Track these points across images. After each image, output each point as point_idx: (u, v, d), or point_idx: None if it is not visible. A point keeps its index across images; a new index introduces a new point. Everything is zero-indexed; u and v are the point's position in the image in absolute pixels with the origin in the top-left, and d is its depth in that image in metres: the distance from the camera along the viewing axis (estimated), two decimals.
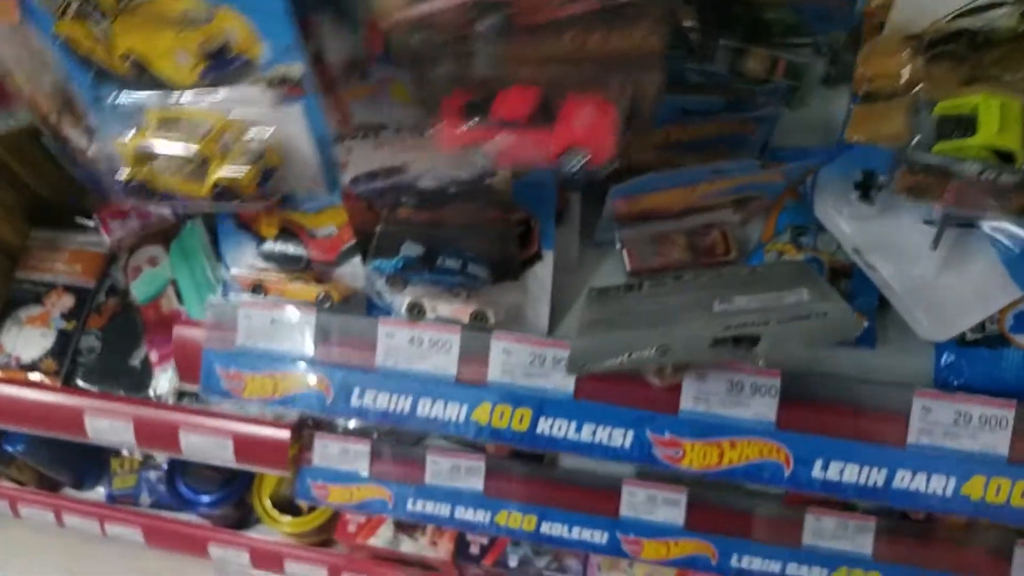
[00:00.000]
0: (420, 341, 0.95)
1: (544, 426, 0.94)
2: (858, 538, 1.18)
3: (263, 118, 0.63)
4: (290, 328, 0.98)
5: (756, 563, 1.21)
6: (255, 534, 1.75)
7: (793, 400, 0.88)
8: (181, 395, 1.40)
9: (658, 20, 0.57)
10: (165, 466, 1.77)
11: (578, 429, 0.93)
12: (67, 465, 1.79)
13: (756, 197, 0.90)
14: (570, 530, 1.27)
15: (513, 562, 1.53)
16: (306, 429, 1.37)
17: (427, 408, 0.96)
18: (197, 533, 1.75)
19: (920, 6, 0.54)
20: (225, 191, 0.64)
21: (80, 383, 1.43)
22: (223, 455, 1.37)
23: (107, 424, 1.40)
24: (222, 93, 0.62)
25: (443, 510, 1.31)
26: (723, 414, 0.89)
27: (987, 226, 0.89)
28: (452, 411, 0.96)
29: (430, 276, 0.93)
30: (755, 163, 0.82)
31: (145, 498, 1.79)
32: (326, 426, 1.36)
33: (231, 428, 1.35)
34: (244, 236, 1.04)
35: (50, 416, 1.41)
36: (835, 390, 0.88)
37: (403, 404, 0.97)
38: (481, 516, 1.30)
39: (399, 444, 1.35)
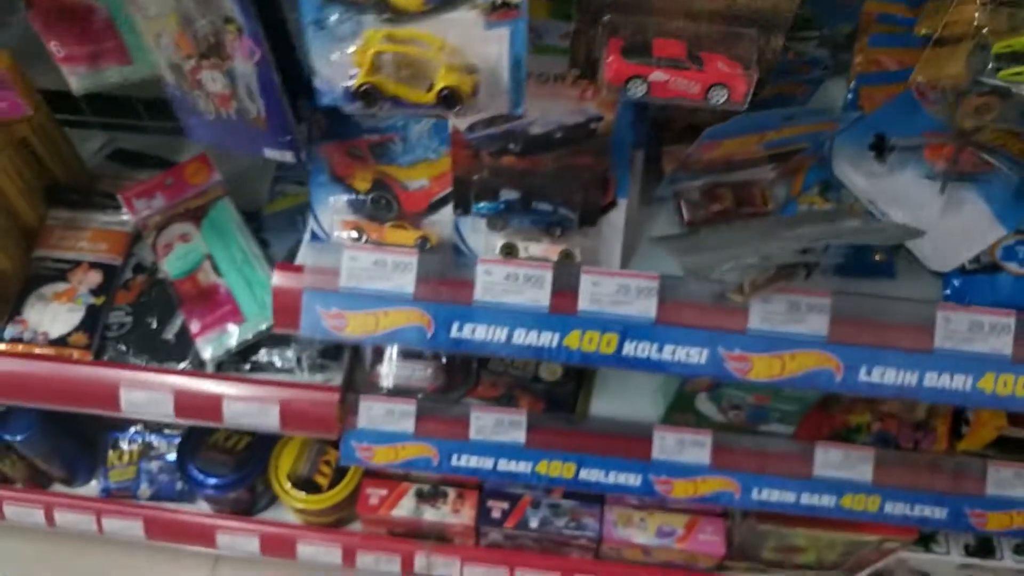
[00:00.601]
0: (516, 277, 1.06)
1: (629, 348, 1.06)
2: (859, 467, 1.36)
3: (472, 39, 0.74)
4: (392, 268, 1.07)
5: (775, 495, 1.37)
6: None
7: (840, 317, 1.05)
8: (219, 366, 1.43)
9: None
10: (168, 456, 1.76)
11: (659, 350, 1.06)
12: (63, 457, 1.75)
13: (802, 149, 1.08)
14: (607, 475, 1.39)
15: (534, 523, 1.63)
16: (349, 392, 1.43)
17: (523, 337, 1.07)
18: (204, 522, 1.74)
19: None
20: (450, 96, 0.73)
21: (111, 357, 1.44)
22: (268, 422, 1.41)
23: (144, 396, 1.41)
24: (440, 15, 0.72)
25: (487, 463, 1.40)
26: (783, 330, 1.05)
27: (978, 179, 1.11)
28: (546, 339, 1.07)
29: (527, 216, 1.05)
30: (821, 111, 0.99)
31: (145, 490, 1.77)
32: (370, 388, 1.43)
33: (277, 394, 1.40)
34: (337, 188, 1.12)
35: (82, 390, 1.41)
36: (874, 308, 1.05)
37: (500, 334, 1.07)
38: (524, 467, 1.40)
39: (443, 402, 1.43)
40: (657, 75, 0.78)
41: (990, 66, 0.77)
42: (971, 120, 0.82)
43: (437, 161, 1.11)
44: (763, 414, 1.38)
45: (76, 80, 1.09)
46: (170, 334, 1.46)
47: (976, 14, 0.77)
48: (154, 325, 1.46)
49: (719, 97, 0.80)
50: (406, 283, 1.07)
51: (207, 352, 1.40)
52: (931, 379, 1.05)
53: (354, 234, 1.10)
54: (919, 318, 1.05)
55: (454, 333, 1.08)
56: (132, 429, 1.79)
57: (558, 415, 1.44)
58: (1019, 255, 1.11)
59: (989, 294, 1.10)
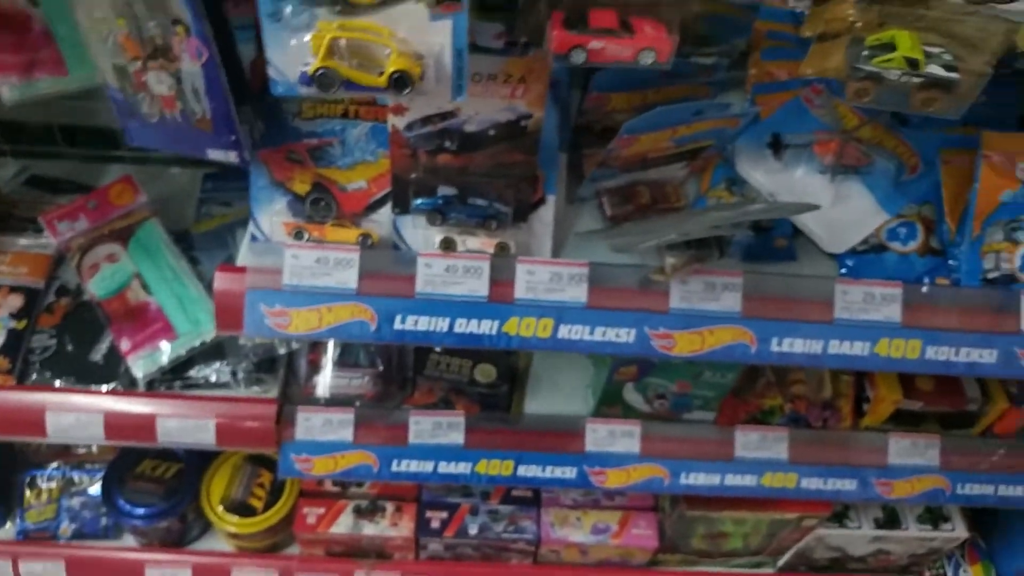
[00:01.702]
0: (455, 269, 1.12)
1: (564, 332, 1.13)
2: (776, 446, 1.46)
3: (419, 30, 0.81)
4: (335, 265, 1.11)
5: (701, 478, 1.45)
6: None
7: (751, 294, 1.15)
8: (151, 385, 1.42)
9: None
10: (91, 490, 1.70)
11: (591, 332, 1.14)
12: None
13: (708, 146, 1.19)
14: (543, 470, 1.45)
15: (473, 530, 1.65)
16: (287, 404, 1.44)
17: (464, 326, 1.12)
18: (132, 557, 1.69)
19: None
20: (400, 79, 0.79)
21: (36, 382, 1.40)
22: (204, 438, 1.40)
23: (72, 419, 1.38)
24: (389, 8, 0.79)
25: (427, 467, 1.43)
26: (702, 308, 1.14)
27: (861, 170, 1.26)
28: (486, 326, 1.12)
29: (464, 211, 1.12)
30: (727, 104, 1.11)
31: (66, 528, 1.70)
32: (307, 399, 1.44)
33: (213, 409, 1.39)
34: (277, 191, 1.15)
35: (5, 416, 1.37)
36: (781, 285, 1.17)
37: (442, 324, 1.12)
38: (463, 468, 1.44)
39: (381, 409, 1.46)
40: (595, 44, 0.88)
41: (864, 54, 0.90)
42: (851, 102, 0.94)
43: (375, 163, 1.16)
44: (686, 402, 1.47)
45: (7, 91, 1.10)
46: (98, 355, 1.44)
47: (851, 12, 0.89)
48: (80, 347, 1.44)
49: (647, 58, 0.90)
50: (349, 279, 1.11)
51: (139, 370, 1.39)
52: (834, 347, 1.16)
53: (296, 234, 1.14)
54: (820, 293, 1.16)
55: (397, 325, 1.12)
56: (51, 466, 1.72)
57: (494, 415, 1.49)
58: (900, 236, 1.25)
59: (878, 271, 1.23)
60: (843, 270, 1.24)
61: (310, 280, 1.11)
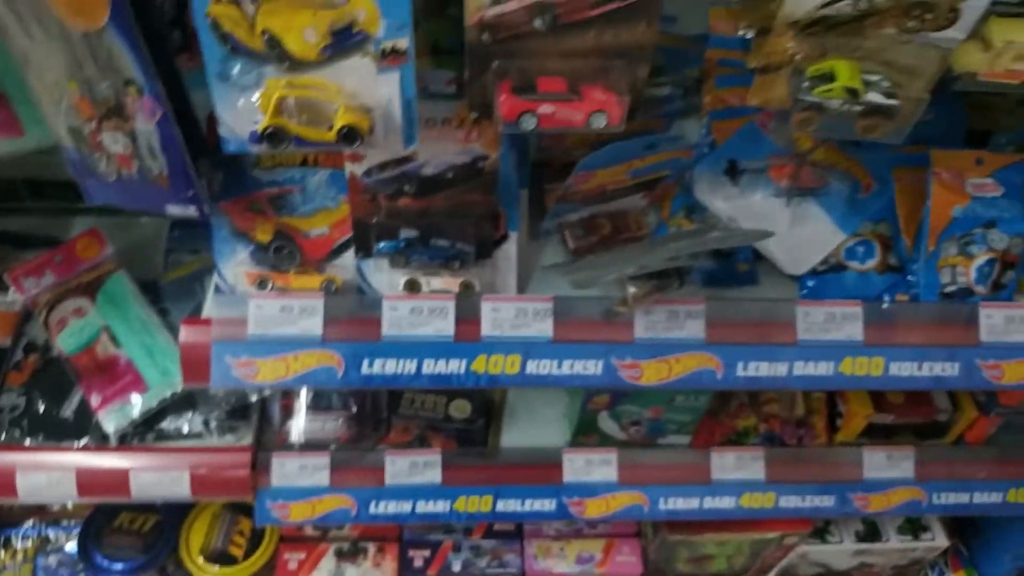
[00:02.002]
0: (420, 310, 1.13)
1: (532, 367, 1.14)
2: (752, 466, 1.48)
3: (366, 83, 0.82)
4: (299, 313, 1.11)
5: (680, 503, 1.46)
6: None
7: (715, 320, 1.17)
8: (123, 439, 1.41)
9: (650, 23, 0.87)
10: (67, 547, 1.68)
11: (559, 365, 1.14)
12: None
13: (664, 176, 1.21)
14: (523, 503, 1.45)
15: (457, 567, 1.65)
16: (261, 451, 1.43)
17: (432, 367, 1.13)
18: None
19: (798, 3, 0.88)
20: (349, 133, 0.80)
21: (5, 441, 1.38)
22: (179, 490, 1.39)
23: (43, 478, 1.37)
24: (336, 63, 0.80)
25: (405, 507, 1.43)
26: (666, 337, 1.16)
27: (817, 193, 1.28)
28: (454, 365, 1.13)
29: (427, 253, 1.13)
30: (677, 138, 1.13)
31: None
32: (282, 445, 1.44)
33: (187, 461, 1.38)
34: (239, 241, 1.16)
35: None
36: (743, 310, 1.18)
37: (410, 366, 1.12)
38: (442, 506, 1.43)
39: (356, 451, 1.45)
40: (544, 108, 0.89)
41: (805, 85, 0.92)
42: (797, 132, 0.96)
43: (336, 209, 1.17)
44: (660, 427, 1.47)
45: None
46: (68, 411, 1.43)
47: (790, 44, 0.92)
48: (50, 404, 1.43)
49: (599, 122, 0.91)
50: (314, 326, 1.11)
51: (110, 425, 1.38)
52: (799, 368, 1.18)
53: (260, 284, 1.14)
54: (782, 315, 1.18)
55: (365, 370, 1.12)
56: (26, 524, 1.69)
57: (471, 451, 1.49)
58: (859, 254, 1.27)
59: (839, 290, 1.25)
60: (804, 291, 1.25)
61: (275, 329, 1.11)
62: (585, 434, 1.48)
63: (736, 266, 1.28)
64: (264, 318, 1.11)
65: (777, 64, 0.95)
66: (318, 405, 1.46)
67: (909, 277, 1.26)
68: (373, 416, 1.48)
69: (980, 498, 1.55)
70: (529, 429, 1.53)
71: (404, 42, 0.79)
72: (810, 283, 1.26)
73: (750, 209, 1.29)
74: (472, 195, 1.12)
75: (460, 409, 1.49)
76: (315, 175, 1.17)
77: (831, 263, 1.27)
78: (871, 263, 1.27)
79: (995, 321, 1.21)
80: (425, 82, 1.05)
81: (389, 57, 0.80)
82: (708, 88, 1.41)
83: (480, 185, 1.12)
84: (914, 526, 1.69)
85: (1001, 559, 1.77)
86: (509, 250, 1.20)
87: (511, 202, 1.19)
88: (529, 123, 0.89)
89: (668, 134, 1.18)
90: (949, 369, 1.19)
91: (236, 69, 0.80)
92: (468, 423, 1.48)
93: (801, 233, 1.28)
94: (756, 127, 1.34)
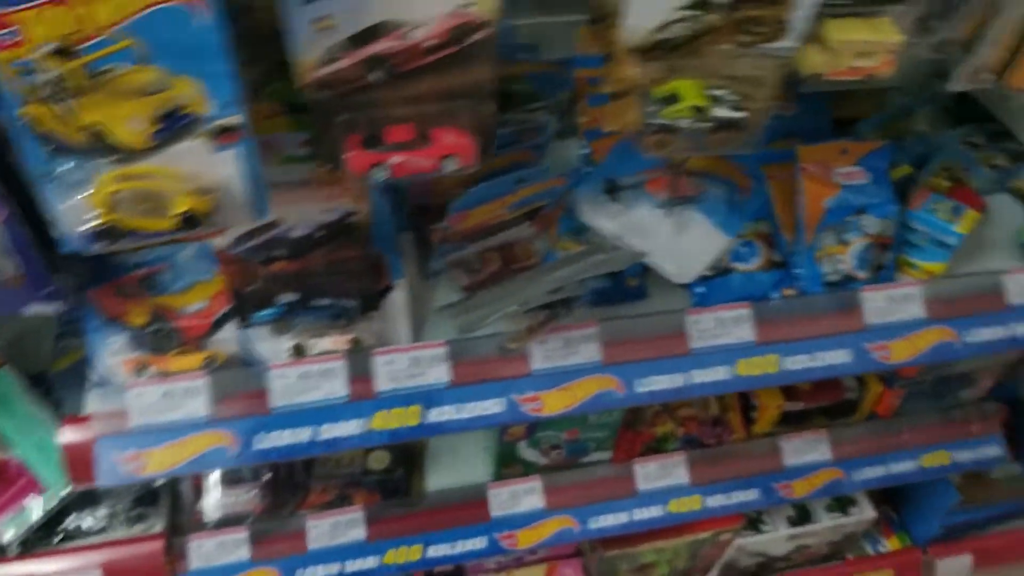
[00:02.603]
0: (309, 375, 1.10)
1: (433, 415, 1.12)
2: (675, 472, 1.49)
3: (203, 164, 0.79)
4: (183, 396, 1.07)
5: (609, 519, 1.46)
6: None
7: (609, 341, 1.17)
8: (25, 544, 1.33)
9: (486, 64, 0.86)
10: None
11: (460, 410, 1.13)
12: None
13: (544, 205, 1.21)
14: (453, 546, 1.43)
15: None
16: (174, 536, 1.38)
17: (330, 431, 1.10)
18: None
19: (634, 27, 0.89)
20: (190, 218, 0.77)
21: None
22: None
23: None
24: (168, 148, 0.77)
25: (333, 570, 1.40)
26: (564, 364, 1.15)
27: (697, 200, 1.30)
28: (352, 427, 1.10)
29: (310, 314, 1.10)
30: (545, 169, 1.13)
31: None
32: (197, 525, 1.39)
33: (96, 559, 1.32)
34: (113, 329, 1.11)
35: None
36: (636, 327, 1.19)
37: (305, 435, 1.09)
38: (371, 562, 1.40)
39: (276, 520, 1.41)
40: (394, 159, 0.88)
41: (653, 108, 0.93)
42: (653, 154, 0.97)
43: (211, 281, 1.13)
44: (581, 447, 1.47)
45: None
46: None
47: (634, 70, 0.92)
48: None
49: (451, 165, 0.90)
50: (199, 407, 1.07)
51: (8, 534, 1.30)
52: (697, 376, 1.19)
53: (138, 371, 1.09)
54: (674, 326, 1.19)
55: (259, 445, 1.09)
56: None
57: (395, 502, 1.46)
58: (743, 256, 1.29)
59: (728, 293, 1.27)
60: (694, 299, 1.27)
61: (159, 416, 1.07)
62: (507, 466, 1.47)
63: (626, 282, 1.29)
64: (146, 407, 1.07)
65: (626, 89, 0.96)
66: (230, 478, 1.41)
67: (794, 271, 1.29)
68: (289, 481, 1.44)
69: (897, 468, 1.59)
70: (453, 468, 1.51)
71: (236, 119, 0.77)
72: (699, 290, 1.27)
73: (634, 224, 1.30)
74: (348, 250, 1.10)
75: (379, 460, 1.46)
76: (184, 250, 1.13)
77: (718, 268, 1.29)
78: (756, 263, 1.29)
79: (877, 303, 1.24)
80: (279, 146, 1.03)
81: (223, 135, 0.78)
82: (582, 108, 1.41)
83: (354, 239, 1.10)
84: (842, 503, 1.73)
85: (929, 520, 1.83)
86: (397, 298, 1.18)
87: (392, 249, 1.18)
88: (381, 175, 0.88)
89: (537, 167, 1.18)
90: (841, 356, 1.22)
91: (64, 167, 0.76)
92: (388, 473, 1.46)
93: (686, 242, 1.30)
94: (629, 143, 1.35)
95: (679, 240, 1.29)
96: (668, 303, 1.28)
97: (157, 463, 1.07)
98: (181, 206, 0.78)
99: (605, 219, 1.31)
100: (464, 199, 1.07)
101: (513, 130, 1.33)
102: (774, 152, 1.34)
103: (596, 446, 1.48)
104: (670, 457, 1.51)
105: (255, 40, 0.86)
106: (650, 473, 1.50)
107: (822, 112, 1.41)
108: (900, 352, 1.24)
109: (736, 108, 0.95)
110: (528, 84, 1.37)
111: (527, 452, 1.46)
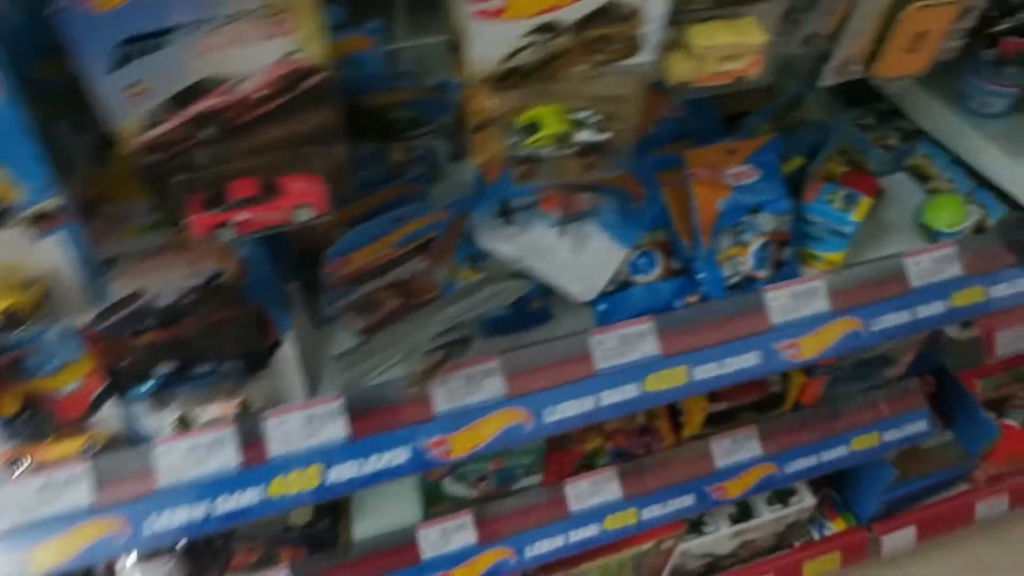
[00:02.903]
0: (197, 447, 1.04)
1: (335, 474, 1.07)
2: (607, 487, 1.46)
3: (24, 254, 0.73)
4: (63, 485, 1.01)
5: (546, 545, 1.43)
6: None
7: (513, 372, 1.13)
8: None
9: (329, 107, 0.82)
10: None
11: (363, 465, 1.08)
12: None
13: (433, 238, 1.17)
14: None
15: None
16: None
17: (225, 504, 1.04)
18: None
19: (481, 58, 0.85)
20: (12, 317, 0.72)
21: None
22: None
23: None
24: None
25: None
26: (468, 402, 1.11)
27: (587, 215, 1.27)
28: (249, 497, 1.05)
29: (191, 383, 1.04)
30: (422, 205, 1.09)
31: None
32: None
33: None
34: None
35: None
36: (538, 354, 1.15)
37: (199, 511, 1.03)
38: None
39: None
40: (239, 216, 0.83)
41: (514, 139, 0.90)
42: (521, 184, 0.94)
43: (82, 360, 1.07)
44: (509, 474, 1.44)
45: None
46: None
47: (491, 101, 0.89)
48: None
49: (304, 215, 0.86)
50: (82, 496, 1.01)
51: None
52: (607, 397, 1.16)
53: (13, 463, 1.02)
54: (577, 349, 1.16)
55: (151, 528, 1.03)
56: None
57: (322, 555, 1.41)
58: (642, 267, 1.27)
59: (630, 307, 1.24)
60: (597, 317, 1.24)
61: (39, 511, 1.00)
62: (435, 504, 1.43)
63: (529, 306, 1.26)
64: (23, 502, 1.00)
65: (485, 121, 0.92)
66: (144, 554, 1.34)
67: (696, 276, 1.27)
68: (207, 548, 1.37)
69: (828, 455, 1.59)
70: (381, 512, 1.46)
71: (54, 202, 0.71)
72: (601, 307, 1.25)
73: (531, 246, 1.27)
74: (223, 311, 1.05)
75: (301, 515, 1.41)
76: (50, 330, 1.06)
77: (618, 281, 1.26)
78: (655, 273, 1.27)
79: (782, 301, 1.23)
80: (131, 215, 0.97)
81: (41, 221, 0.72)
82: (465, 102, 1.38)
83: (227, 299, 1.04)
84: (781, 494, 1.73)
85: (869, 499, 1.84)
86: (287, 353, 1.13)
87: (276, 303, 1.12)
88: (227, 235, 0.83)
89: (416, 203, 1.13)
90: (750, 360, 1.21)
91: None
92: (312, 527, 1.41)
93: (584, 259, 1.27)
94: None
95: (578, 257, 1.26)
96: (573, 323, 1.25)
97: (43, 559, 1.00)
98: (1, 303, 0.72)
99: (502, 243, 1.28)
100: (339, 245, 1.02)
101: (396, 162, 1.29)
102: (666, 157, 1.32)
103: (525, 472, 1.45)
104: (600, 473, 1.48)
105: (85, 106, 0.80)
106: (582, 492, 1.47)
107: (710, 111, 1.39)
108: (809, 348, 1.22)
109: (600, 130, 0.92)
110: (410, 111, 1.33)
111: (454, 488, 1.42)
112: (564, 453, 1.50)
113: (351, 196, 1.01)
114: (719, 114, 1.41)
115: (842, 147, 1.44)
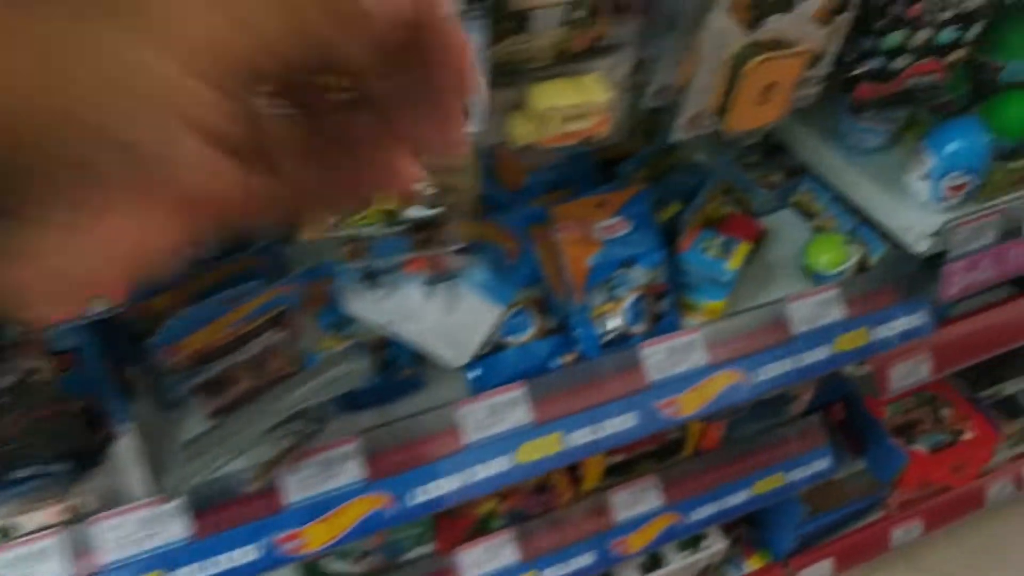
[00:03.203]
0: (16, 561, 0.95)
1: None
2: (503, 552, 1.40)
3: None
4: None
5: None
6: None
7: (374, 454, 1.06)
8: None
9: None
10: None
11: (206, 567, 1.00)
12: None
13: (285, 309, 1.10)
14: None
15: None
16: None
17: None
18: None
19: None
20: None
21: None
22: None
23: None
24: None
25: None
26: (323, 491, 1.04)
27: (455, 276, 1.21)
28: None
29: (12, 489, 0.95)
30: (258, 283, 1.01)
31: None
32: None
33: None
34: None
35: None
36: (401, 431, 1.08)
37: None
38: None
39: None
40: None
41: (336, 219, 0.84)
42: (352, 264, 0.88)
43: None
44: (397, 547, 1.36)
45: None
46: None
47: None
48: None
49: (100, 306, 0.78)
50: None
51: None
52: (479, 471, 1.10)
53: None
54: (445, 422, 1.10)
55: None
56: None
57: None
58: (515, 327, 1.21)
59: (504, 370, 1.18)
60: (470, 384, 1.18)
61: None
62: None
63: (399, 374, 1.19)
64: None
65: None
66: None
67: (572, 334, 1.21)
68: None
69: (732, 500, 1.55)
70: None
71: None
72: (475, 372, 1.18)
73: (399, 309, 1.20)
74: (44, 409, 0.96)
75: None
76: None
77: (493, 343, 1.20)
78: (530, 332, 1.21)
79: (658, 357, 1.18)
80: None
81: None
82: None
83: (44, 395, 0.95)
84: (692, 540, 1.68)
85: (783, 536, 1.81)
86: (126, 446, 1.04)
87: (110, 394, 1.04)
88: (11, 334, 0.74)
89: (251, 283, 1.05)
90: (627, 421, 1.16)
91: None
92: None
93: (455, 320, 1.20)
94: None
95: (449, 320, 1.20)
96: (448, 391, 1.18)
97: None
98: None
99: (368, 308, 1.20)
100: (165, 333, 0.94)
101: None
102: (537, 210, 1.26)
103: (415, 542, 1.37)
104: (496, 537, 1.42)
105: None
106: (477, 559, 1.40)
107: (582, 160, 1.35)
108: (689, 404, 1.18)
109: (432, 205, 0.86)
110: None
111: (336, 566, 1.34)
112: (456, 519, 1.43)
113: (177, 277, 0.94)
114: (598, 159, 1.37)
115: (725, 186, 1.41)
